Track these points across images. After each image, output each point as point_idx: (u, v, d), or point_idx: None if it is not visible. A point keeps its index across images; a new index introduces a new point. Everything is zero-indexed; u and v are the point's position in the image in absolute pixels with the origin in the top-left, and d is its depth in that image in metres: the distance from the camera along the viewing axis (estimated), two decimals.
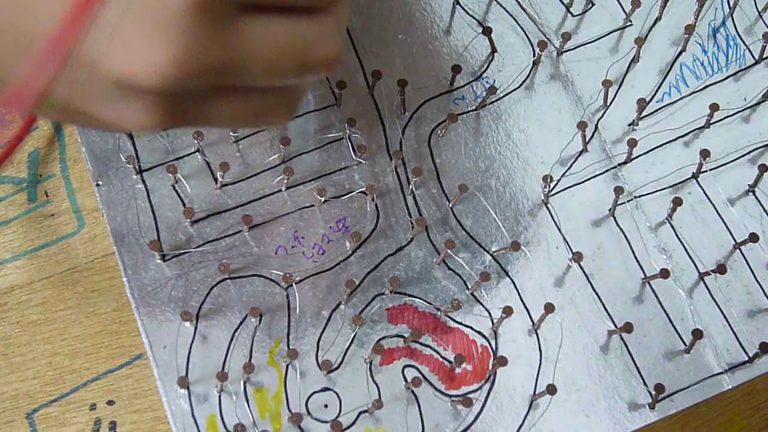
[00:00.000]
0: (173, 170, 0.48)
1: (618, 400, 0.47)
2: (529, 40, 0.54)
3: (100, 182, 0.49)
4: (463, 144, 0.51)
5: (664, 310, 0.49)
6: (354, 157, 0.50)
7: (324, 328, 0.47)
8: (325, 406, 0.46)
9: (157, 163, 0.49)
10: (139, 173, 0.49)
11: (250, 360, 0.46)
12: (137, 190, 0.49)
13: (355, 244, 0.49)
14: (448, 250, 0.48)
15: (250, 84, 0.33)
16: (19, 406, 0.47)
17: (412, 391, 0.46)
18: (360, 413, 0.46)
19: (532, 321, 0.48)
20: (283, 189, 0.50)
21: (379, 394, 0.46)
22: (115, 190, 0.49)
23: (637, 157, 0.52)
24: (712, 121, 0.53)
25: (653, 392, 0.47)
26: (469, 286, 0.49)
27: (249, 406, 0.46)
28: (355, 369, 0.47)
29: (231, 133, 0.49)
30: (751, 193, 0.52)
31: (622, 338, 0.48)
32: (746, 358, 0.48)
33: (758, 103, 0.54)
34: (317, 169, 0.50)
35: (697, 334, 0.48)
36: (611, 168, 0.52)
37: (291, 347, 0.47)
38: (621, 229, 0.51)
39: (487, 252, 0.49)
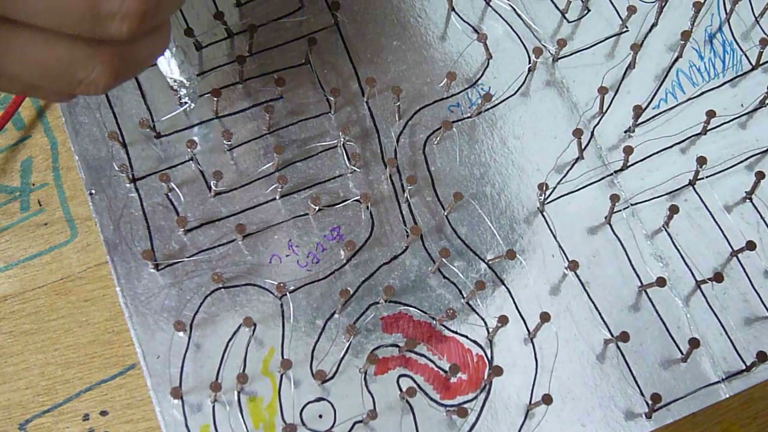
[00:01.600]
0: (166, 179, 0.48)
1: (614, 409, 0.47)
2: (525, 46, 0.54)
3: (93, 191, 0.49)
4: (458, 151, 0.51)
5: (661, 319, 0.49)
6: (348, 165, 0.50)
7: (318, 338, 0.47)
8: (320, 416, 0.46)
9: (150, 171, 0.49)
10: (133, 182, 0.49)
11: (243, 370, 0.46)
12: (130, 198, 0.49)
13: (349, 253, 0.48)
14: (443, 259, 0.48)
15: (39, 22, 0.30)
16: (11, 416, 0.47)
17: (407, 401, 0.46)
18: (355, 423, 0.46)
19: (528, 330, 0.48)
20: (277, 197, 0.49)
21: (374, 404, 0.46)
22: (108, 198, 0.49)
23: (633, 164, 0.52)
24: (708, 128, 0.52)
25: (649, 401, 0.46)
26: (465, 295, 0.48)
27: (243, 416, 0.45)
28: (350, 379, 0.46)
29: (225, 142, 0.49)
30: (748, 200, 0.52)
31: (618, 347, 0.48)
32: (743, 367, 0.48)
33: (755, 110, 0.53)
34: (311, 178, 0.50)
35: (694, 342, 0.47)
36: (607, 175, 0.52)
37: (285, 357, 0.46)
38: (617, 236, 0.50)
39: (483, 260, 0.49)
